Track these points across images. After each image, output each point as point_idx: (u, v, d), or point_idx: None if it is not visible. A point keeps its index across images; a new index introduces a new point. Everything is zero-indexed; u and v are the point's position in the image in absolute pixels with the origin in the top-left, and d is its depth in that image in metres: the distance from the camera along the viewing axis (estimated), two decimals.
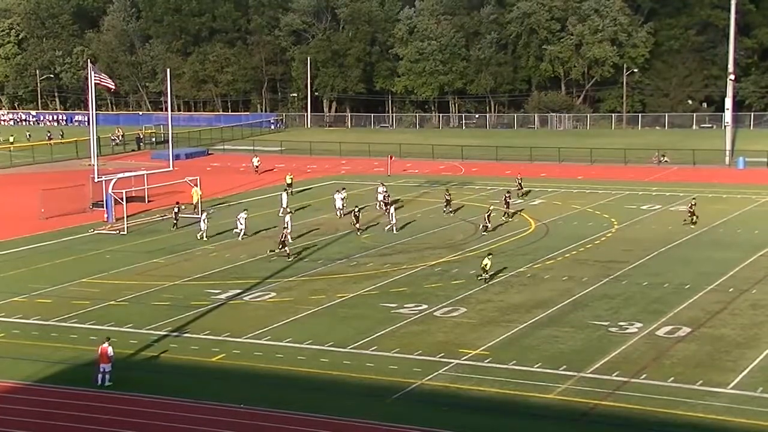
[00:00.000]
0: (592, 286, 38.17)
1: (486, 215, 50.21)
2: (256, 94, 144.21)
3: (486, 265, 38.54)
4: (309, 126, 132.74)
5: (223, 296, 37.57)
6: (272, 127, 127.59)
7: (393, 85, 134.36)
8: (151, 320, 34.03)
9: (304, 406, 25.51)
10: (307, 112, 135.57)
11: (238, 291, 38.34)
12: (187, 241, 49.23)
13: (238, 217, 49.52)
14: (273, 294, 37.99)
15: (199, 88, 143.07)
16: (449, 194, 57.50)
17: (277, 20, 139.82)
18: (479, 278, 38.74)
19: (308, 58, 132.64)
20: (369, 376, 27.93)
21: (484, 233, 49.17)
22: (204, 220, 50.06)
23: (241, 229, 49.13)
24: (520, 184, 62.98)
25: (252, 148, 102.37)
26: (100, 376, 27.23)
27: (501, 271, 40.60)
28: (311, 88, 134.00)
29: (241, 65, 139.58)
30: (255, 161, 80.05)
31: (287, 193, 60.01)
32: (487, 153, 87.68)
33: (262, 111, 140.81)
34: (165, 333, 32.47)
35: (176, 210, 53.43)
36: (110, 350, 27.29)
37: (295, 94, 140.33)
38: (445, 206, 55.96)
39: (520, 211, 55.98)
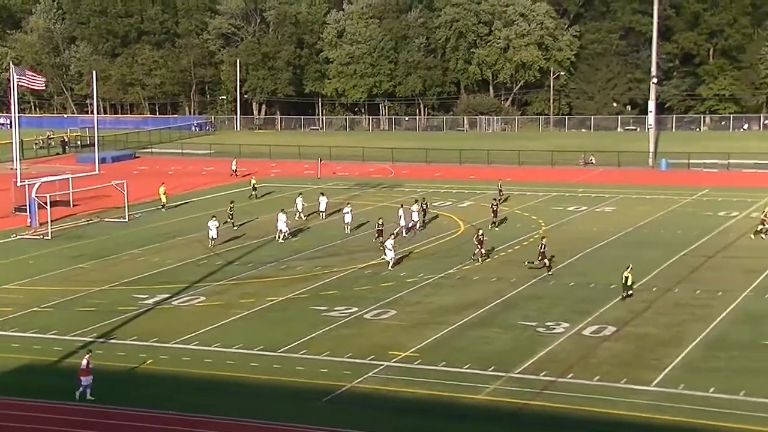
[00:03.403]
0: (520, 286, 38.62)
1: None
2: (185, 97, 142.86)
3: (627, 279, 36.04)
4: (239, 129, 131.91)
5: (150, 301, 37.08)
6: (196, 129, 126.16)
7: (323, 87, 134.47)
8: (76, 326, 33.39)
9: (233, 410, 25.31)
10: (236, 114, 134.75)
11: (167, 295, 37.87)
12: (115, 246, 48.46)
13: (209, 225, 47.46)
14: (202, 298, 37.62)
15: (126, 90, 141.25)
16: (497, 204, 53.79)
17: (205, 24, 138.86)
18: (623, 296, 36.05)
19: (237, 61, 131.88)
20: (299, 379, 27.84)
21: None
22: (284, 221, 49.14)
23: (213, 238, 47.28)
24: (500, 190, 60.59)
25: (181, 151, 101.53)
26: (88, 390, 26.14)
27: (432, 274, 40.88)
28: (240, 90, 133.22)
29: (170, 68, 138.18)
30: (233, 165, 79.09)
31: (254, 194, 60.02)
32: (417, 155, 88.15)
33: (190, 114, 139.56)
34: (91, 339, 31.89)
35: (230, 210, 53.13)
36: (84, 363, 26.38)
37: (225, 97, 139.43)
38: (494, 217, 52.25)
39: (505, 219, 54.24)
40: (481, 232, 43.76)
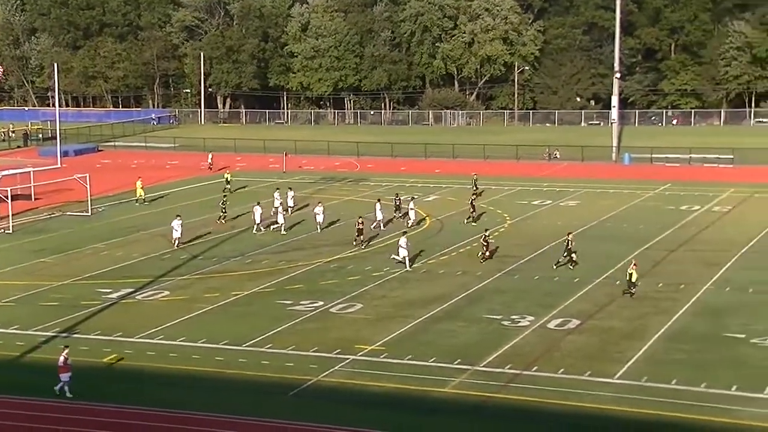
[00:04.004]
0: (486, 280, 38.80)
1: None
2: (148, 90, 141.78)
3: (631, 275, 35.65)
4: (203, 122, 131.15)
5: (114, 295, 36.81)
6: (154, 123, 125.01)
7: (288, 81, 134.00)
8: (38, 321, 33.08)
9: (199, 405, 25.22)
10: (200, 108, 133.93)
11: (131, 290, 37.62)
12: (77, 240, 48.02)
13: (173, 224, 46.07)
14: (167, 292, 37.41)
15: (89, 83, 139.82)
16: (474, 194, 55.25)
17: (168, 16, 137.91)
18: (625, 293, 35.74)
19: (201, 54, 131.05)
20: (265, 373, 27.79)
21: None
22: (280, 212, 50.01)
23: (177, 237, 45.85)
24: (475, 183, 60.50)
25: (144, 144, 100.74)
26: (66, 387, 25.82)
27: (398, 267, 40.92)
28: (205, 84, 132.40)
29: (133, 61, 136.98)
30: (209, 159, 78.65)
31: (227, 191, 60.53)
32: (382, 149, 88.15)
33: (154, 107, 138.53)
34: (53, 334, 31.63)
35: (223, 204, 52.81)
36: (61, 359, 25.98)
37: (189, 90, 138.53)
38: (472, 211, 51.93)
39: (483, 214, 53.74)
40: (487, 232, 43.17)
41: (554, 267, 40.53)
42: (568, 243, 40.86)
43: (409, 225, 50.06)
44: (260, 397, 26.04)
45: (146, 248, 45.83)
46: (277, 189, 56.21)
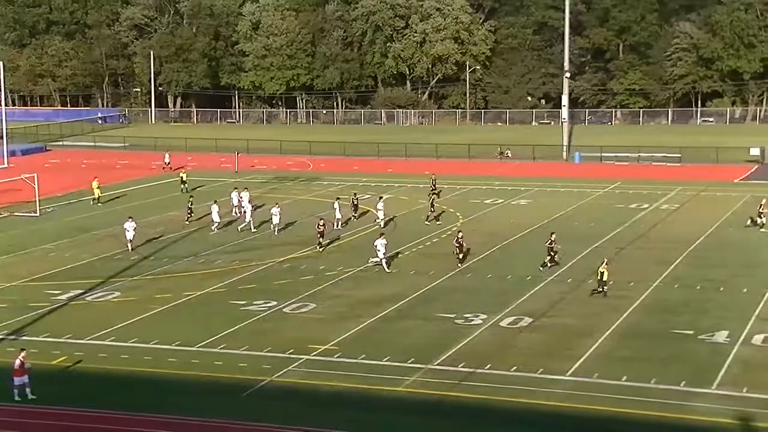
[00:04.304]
0: (438, 279, 38.93)
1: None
2: (97, 89, 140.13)
3: (603, 274, 35.44)
4: (153, 121, 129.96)
5: (64, 297, 36.31)
6: (101, 123, 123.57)
7: (239, 80, 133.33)
8: None
9: (151, 407, 24.98)
10: (151, 107, 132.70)
11: (81, 291, 37.14)
12: (25, 241, 47.28)
13: (125, 226, 44.96)
14: (117, 293, 37.01)
15: (36, 82, 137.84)
16: (433, 193, 55.94)
17: (117, 14, 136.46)
18: (595, 292, 35.71)
19: (151, 53, 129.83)
20: (218, 374, 27.61)
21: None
22: (248, 210, 49.93)
23: (130, 239, 44.90)
24: (433, 183, 60.63)
25: (93, 144, 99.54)
26: (16, 390, 25.31)
27: (351, 267, 40.94)
28: (155, 83, 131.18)
29: (81, 59, 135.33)
30: (166, 158, 77.84)
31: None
32: (335, 149, 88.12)
33: (103, 106, 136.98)
34: (1, 336, 31.11)
35: (190, 205, 52.22)
36: (17, 362, 25.49)
37: (139, 89, 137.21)
38: (431, 211, 52.11)
39: (442, 212, 53.77)
40: (460, 234, 42.28)
41: (547, 267, 40.08)
42: (551, 243, 40.62)
43: (382, 225, 49.51)
44: (213, 397, 25.85)
45: (96, 249, 45.28)
46: (235, 189, 56.04)
